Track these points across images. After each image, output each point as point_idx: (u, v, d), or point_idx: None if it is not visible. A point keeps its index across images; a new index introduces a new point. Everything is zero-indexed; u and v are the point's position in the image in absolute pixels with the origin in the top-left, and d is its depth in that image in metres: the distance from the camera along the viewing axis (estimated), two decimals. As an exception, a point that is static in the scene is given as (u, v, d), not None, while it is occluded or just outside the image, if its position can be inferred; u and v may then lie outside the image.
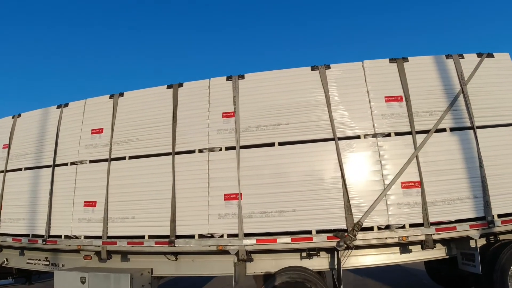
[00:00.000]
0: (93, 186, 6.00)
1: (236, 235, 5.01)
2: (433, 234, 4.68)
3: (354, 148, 5.01)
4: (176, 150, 5.59)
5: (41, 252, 6.77)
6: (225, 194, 5.20)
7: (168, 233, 5.29)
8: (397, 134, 5.04)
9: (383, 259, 5.21)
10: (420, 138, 4.96)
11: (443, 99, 5.13)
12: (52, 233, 6.15)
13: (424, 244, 4.73)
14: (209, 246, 5.04)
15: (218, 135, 5.50)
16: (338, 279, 4.88)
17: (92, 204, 5.96)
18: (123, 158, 5.96)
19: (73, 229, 5.97)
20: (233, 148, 5.36)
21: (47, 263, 6.77)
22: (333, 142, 5.05)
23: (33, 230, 6.42)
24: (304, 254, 5.22)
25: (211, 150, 5.48)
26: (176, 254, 5.63)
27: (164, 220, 5.36)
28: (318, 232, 4.82)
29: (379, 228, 4.76)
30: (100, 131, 6.31)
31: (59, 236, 6.09)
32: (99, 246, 5.64)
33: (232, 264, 5.23)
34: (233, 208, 5.13)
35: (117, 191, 5.79)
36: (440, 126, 5.00)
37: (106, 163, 5.99)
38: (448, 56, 5.34)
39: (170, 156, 5.59)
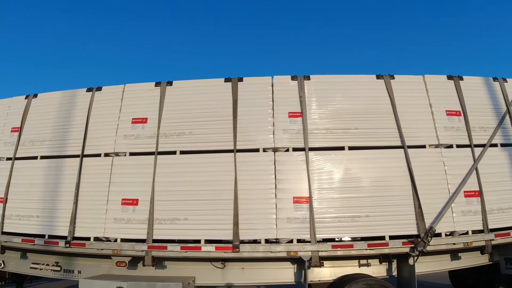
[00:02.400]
0: (134, 182, 4.69)
1: (303, 241, 4.22)
2: (492, 240, 4.45)
3: (421, 157, 4.58)
4: (238, 147, 4.66)
5: (50, 255, 5.22)
6: (294, 197, 4.36)
7: (228, 237, 4.28)
8: (458, 146, 4.81)
9: (435, 266, 4.82)
10: (477, 151, 4.78)
11: (493, 117, 4.98)
12: (77, 235, 4.67)
13: (484, 249, 4.45)
14: (279, 252, 4.17)
15: (285, 135, 4.66)
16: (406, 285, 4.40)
17: (133, 202, 4.68)
18: (173, 153, 4.77)
19: (106, 230, 4.57)
20: (301, 149, 4.59)
21: (58, 268, 5.18)
22: (402, 149, 4.60)
23: (50, 230, 4.82)
24: (362, 261, 4.70)
25: (276, 150, 4.64)
26: (224, 261, 4.68)
27: (224, 223, 4.33)
28: (391, 238, 4.33)
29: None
30: (143, 120, 5.07)
31: (87, 238, 4.66)
32: (142, 251, 4.42)
33: (292, 272, 4.52)
34: (304, 212, 4.37)
35: (166, 189, 4.58)
36: (493, 141, 4.90)
37: (152, 157, 4.75)
38: (494, 79, 5.22)
39: (231, 154, 4.60)
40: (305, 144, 4.57)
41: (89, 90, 5.44)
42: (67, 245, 4.61)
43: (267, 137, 4.65)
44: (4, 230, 5.14)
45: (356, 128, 4.65)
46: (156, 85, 5.19)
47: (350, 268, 4.64)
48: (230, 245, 4.21)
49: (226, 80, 5.07)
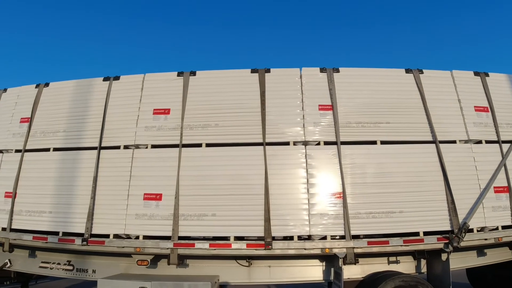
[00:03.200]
0: (156, 176, 4.27)
1: (336, 237, 3.94)
2: (523, 235, 4.32)
3: (451, 152, 4.34)
4: (267, 140, 4.31)
5: (61, 254, 4.71)
6: (327, 192, 4.16)
7: (259, 234, 3.93)
8: (487, 142, 4.60)
9: (461, 263, 4.59)
10: (505, 147, 4.61)
11: (518, 113, 4.91)
12: (95, 231, 4.22)
13: None
14: (313, 248, 3.86)
15: (315, 128, 4.33)
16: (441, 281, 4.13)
17: (156, 197, 4.27)
18: (199, 145, 4.38)
19: (127, 227, 4.14)
20: (332, 143, 4.31)
21: (70, 267, 4.68)
22: (433, 144, 4.38)
23: (65, 227, 4.34)
24: (392, 258, 4.45)
25: (306, 143, 4.36)
26: (250, 258, 4.30)
27: (255, 219, 3.98)
28: (424, 234, 4.10)
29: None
30: (165, 111, 4.66)
31: (105, 235, 4.24)
32: (168, 248, 4.01)
33: (320, 270, 4.22)
34: (337, 207, 4.06)
35: (192, 183, 4.18)
36: (520, 138, 4.75)
37: (176, 149, 4.35)
38: (518, 76, 5.18)
39: (260, 147, 4.25)
40: (337, 138, 4.27)
41: (106, 79, 4.97)
42: (84, 242, 4.15)
43: (297, 130, 4.32)
44: (13, 227, 4.62)
45: (387, 122, 4.39)
46: (178, 75, 4.78)
47: (379, 266, 4.37)
48: (262, 242, 3.88)
49: (253, 71, 4.70)
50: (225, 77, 4.73)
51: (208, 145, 4.36)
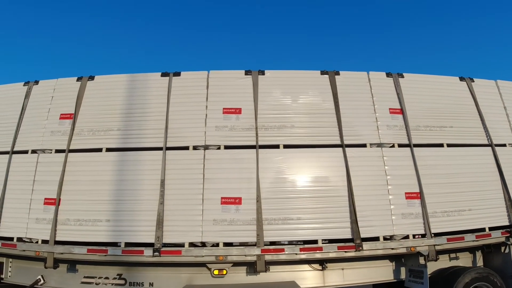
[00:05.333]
0: (233, 178, 4.07)
1: (417, 236, 4.04)
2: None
3: (503, 155, 4.74)
4: (346, 142, 4.35)
5: (108, 266, 4.21)
6: (406, 193, 4.22)
7: (347, 236, 3.93)
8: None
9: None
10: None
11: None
12: (166, 240, 3.87)
13: None
14: (399, 247, 3.95)
15: (389, 131, 4.46)
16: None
17: (235, 201, 4.05)
18: (276, 147, 4.30)
19: (204, 233, 3.87)
20: (405, 145, 4.49)
21: (122, 282, 4.22)
22: (489, 148, 4.79)
23: (128, 237, 3.92)
24: (452, 255, 4.72)
25: (380, 145, 4.49)
26: (324, 262, 4.23)
27: (342, 220, 3.98)
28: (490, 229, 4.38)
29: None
30: (236, 111, 4.44)
31: (180, 244, 3.91)
32: (254, 255, 3.79)
33: (390, 270, 4.33)
34: (416, 207, 4.19)
35: (273, 186, 4.05)
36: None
37: (252, 150, 4.18)
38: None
39: (339, 149, 4.28)
40: (409, 140, 4.45)
41: (164, 74, 4.61)
42: (157, 253, 3.79)
43: (372, 133, 4.43)
44: (58, 238, 4.09)
45: (451, 126, 4.69)
46: (246, 74, 4.62)
47: (442, 262, 4.61)
48: (352, 244, 3.90)
49: (322, 72, 4.72)
50: (294, 77, 4.68)
51: (285, 146, 4.28)
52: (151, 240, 3.89)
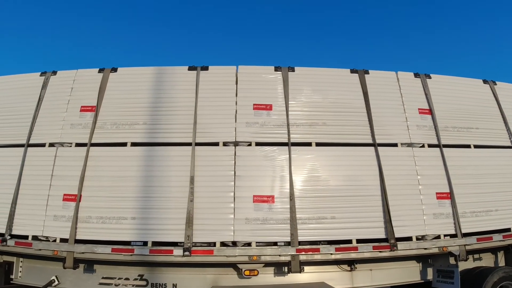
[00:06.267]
0: (266, 176, 3.99)
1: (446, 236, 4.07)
2: None
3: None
4: (378, 141, 4.34)
5: (129, 267, 4.07)
6: (436, 193, 4.24)
7: (381, 236, 3.92)
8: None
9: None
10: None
11: None
12: (196, 240, 3.74)
13: None
14: (432, 247, 3.96)
15: (418, 131, 4.50)
16: None
17: (268, 199, 3.98)
18: (308, 144, 4.26)
19: (236, 233, 3.77)
20: (435, 145, 4.53)
21: (143, 283, 4.07)
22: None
23: (156, 235, 3.78)
24: (476, 255, 4.80)
25: (410, 145, 4.51)
26: (354, 263, 4.21)
27: (376, 220, 3.95)
28: None
29: None
30: (267, 107, 4.32)
31: (210, 243, 3.81)
32: (288, 255, 3.70)
33: (417, 271, 4.34)
34: (446, 207, 4.21)
35: (305, 185, 4.00)
36: None
37: (284, 148, 4.10)
38: None
39: (371, 148, 4.27)
40: (439, 140, 4.51)
41: (191, 68, 4.51)
42: (187, 253, 3.67)
43: (403, 132, 4.45)
44: (78, 237, 3.91)
45: (477, 128, 4.77)
46: (276, 70, 4.57)
47: (464, 263, 4.66)
48: (387, 244, 3.88)
49: (352, 71, 4.73)
50: (324, 75, 4.67)
51: (318, 144, 4.24)
52: (181, 239, 3.77)
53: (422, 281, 4.48)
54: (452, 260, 4.11)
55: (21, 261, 4.42)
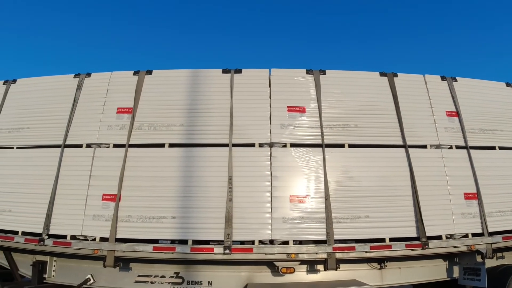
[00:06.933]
0: (301, 176, 4.16)
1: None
2: None
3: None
4: (408, 143, 4.49)
5: (165, 265, 4.25)
6: (464, 193, 4.42)
7: (412, 235, 4.08)
8: None
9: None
10: None
11: None
12: (236, 238, 3.91)
13: None
14: (461, 246, 4.14)
15: (446, 133, 4.66)
16: None
17: (304, 199, 4.13)
18: (341, 146, 4.42)
19: (274, 231, 3.92)
20: (462, 147, 4.67)
21: (179, 280, 4.26)
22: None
23: (196, 234, 3.93)
24: (499, 254, 4.98)
25: (438, 146, 4.69)
26: (384, 261, 4.37)
27: (407, 219, 4.14)
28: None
29: None
30: (301, 109, 4.46)
31: (249, 242, 3.93)
32: (324, 253, 3.88)
33: (444, 269, 4.54)
34: (474, 207, 4.38)
35: (341, 185, 4.17)
36: None
37: (318, 149, 4.28)
38: None
39: (401, 149, 4.43)
40: (466, 142, 4.69)
41: (225, 71, 4.64)
42: (227, 251, 3.83)
43: (431, 134, 4.61)
44: (118, 236, 4.04)
45: (501, 130, 4.94)
46: (307, 73, 4.72)
47: (487, 261, 4.89)
48: (419, 242, 4.06)
49: (381, 74, 4.88)
50: (354, 78, 4.82)
51: (350, 145, 4.40)
52: (220, 237, 3.93)
53: (449, 278, 4.69)
54: (478, 258, 4.31)
55: (55, 260, 4.56)
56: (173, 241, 4.12)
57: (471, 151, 4.66)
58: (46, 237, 4.17)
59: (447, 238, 4.26)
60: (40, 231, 4.22)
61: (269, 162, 4.19)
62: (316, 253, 3.91)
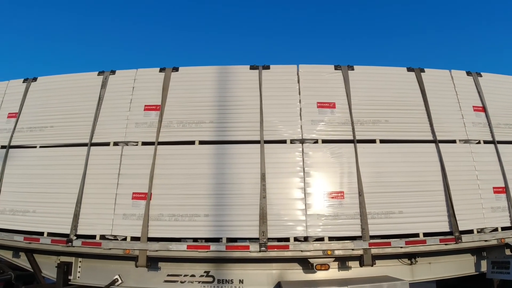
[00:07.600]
0: (335, 172, 4.18)
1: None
2: None
3: None
4: (438, 138, 4.53)
5: (194, 263, 4.26)
6: (493, 188, 4.50)
7: (445, 229, 4.14)
8: None
9: None
10: None
11: None
12: (271, 235, 3.90)
13: None
14: (492, 239, 4.20)
15: (474, 128, 4.71)
16: None
17: (338, 195, 4.14)
18: (372, 141, 4.42)
19: (309, 228, 3.93)
20: (489, 142, 4.72)
21: (210, 279, 4.26)
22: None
23: (230, 232, 3.94)
24: None
25: (467, 141, 4.75)
26: (414, 256, 4.42)
27: (439, 214, 4.19)
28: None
29: None
30: (331, 105, 4.50)
31: (284, 239, 3.96)
32: (360, 249, 3.89)
33: (472, 263, 4.60)
34: (502, 201, 4.46)
35: (373, 180, 4.19)
36: None
37: (349, 145, 4.28)
38: None
39: (432, 144, 4.47)
40: (493, 137, 4.73)
41: (253, 67, 4.62)
42: (263, 248, 3.82)
43: (460, 129, 4.65)
44: (150, 235, 4.03)
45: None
46: (336, 68, 4.73)
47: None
48: (452, 237, 4.12)
49: (409, 69, 4.91)
50: (382, 73, 4.84)
51: (382, 141, 4.43)
52: (255, 235, 3.94)
53: (477, 273, 4.78)
54: (507, 252, 4.40)
55: (80, 261, 4.53)
56: (206, 240, 4.14)
57: (498, 145, 4.74)
58: (74, 237, 4.15)
59: (478, 232, 4.36)
60: (67, 231, 4.19)
61: (301, 159, 4.21)
62: (352, 249, 3.95)
